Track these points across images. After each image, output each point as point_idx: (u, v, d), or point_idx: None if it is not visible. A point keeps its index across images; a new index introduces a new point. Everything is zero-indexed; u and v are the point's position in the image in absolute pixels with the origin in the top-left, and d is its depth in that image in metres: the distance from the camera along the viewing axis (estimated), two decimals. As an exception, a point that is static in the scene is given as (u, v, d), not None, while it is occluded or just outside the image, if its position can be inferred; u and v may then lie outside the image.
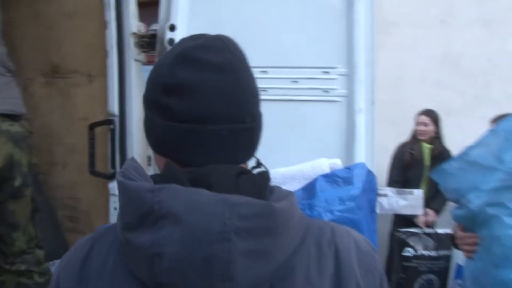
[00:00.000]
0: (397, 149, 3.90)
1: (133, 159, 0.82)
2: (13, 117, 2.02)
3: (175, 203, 0.69)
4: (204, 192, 0.71)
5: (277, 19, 2.02)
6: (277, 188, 0.82)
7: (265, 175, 0.83)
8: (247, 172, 0.82)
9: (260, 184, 0.80)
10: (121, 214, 0.76)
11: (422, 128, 3.76)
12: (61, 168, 2.40)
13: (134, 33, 2.11)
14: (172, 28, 2.02)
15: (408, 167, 3.78)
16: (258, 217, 0.70)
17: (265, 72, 2.02)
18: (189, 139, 0.79)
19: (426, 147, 3.75)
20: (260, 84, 1.90)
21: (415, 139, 3.82)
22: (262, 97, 1.89)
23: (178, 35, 2.03)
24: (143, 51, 2.15)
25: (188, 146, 0.79)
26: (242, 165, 0.84)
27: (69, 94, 2.33)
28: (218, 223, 0.68)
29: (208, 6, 2.06)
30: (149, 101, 0.84)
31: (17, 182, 1.99)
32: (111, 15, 2.10)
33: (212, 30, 1.90)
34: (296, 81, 2.00)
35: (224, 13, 2.05)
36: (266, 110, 1.91)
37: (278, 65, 2.01)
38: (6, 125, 1.96)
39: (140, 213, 0.71)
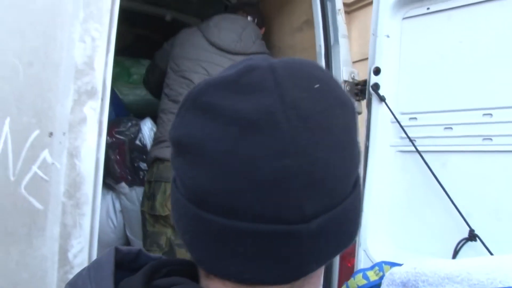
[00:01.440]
0: None
1: (110, 252, 0.60)
2: None
3: None
4: None
5: (507, 48, 1.55)
6: None
7: None
8: None
9: None
10: None
11: None
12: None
13: (346, 81, 1.98)
14: (377, 71, 1.81)
15: None
16: None
17: (489, 115, 1.57)
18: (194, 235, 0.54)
19: None
20: (483, 131, 1.53)
21: None
22: (484, 148, 1.51)
23: (383, 80, 1.80)
24: (357, 100, 1.99)
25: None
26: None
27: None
28: None
29: (418, 45, 1.76)
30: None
31: None
32: (322, 64, 2.04)
33: (422, 73, 1.64)
34: (534, 125, 1.49)
35: (437, 52, 1.71)
36: (490, 163, 1.52)
37: (507, 105, 1.54)
38: None
39: None
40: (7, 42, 1.43)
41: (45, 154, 1.47)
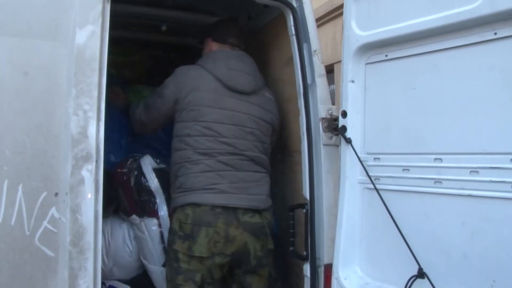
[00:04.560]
0: None
1: None
2: (257, 210, 2.29)
3: None
4: None
5: (454, 97, 1.66)
6: None
7: None
8: None
9: None
10: None
11: None
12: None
13: (323, 118, 2.14)
14: (344, 114, 1.96)
15: None
16: None
17: (439, 160, 1.70)
18: None
19: None
20: (434, 174, 1.67)
21: None
22: (435, 190, 1.66)
23: (350, 122, 1.95)
24: (336, 135, 2.13)
25: None
26: None
27: (293, 170, 2.54)
28: None
29: (379, 91, 1.89)
30: None
31: (252, 263, 2.28)
32: (301, 103, 2.20)
33: (384, 117, 1.79)
34: (476, 172, 1.60)
35: (395, 97, 1.83)
36: (441, 205, 1.66)
37: (454, 151, 1.65)
38: (247, 217, 2.25)
39: None
40: (15, 122, 1.73)
41: (53, 211, 1.77)
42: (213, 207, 2.18)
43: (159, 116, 2.42)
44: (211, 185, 2.21)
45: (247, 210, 2.25)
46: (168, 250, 2.26)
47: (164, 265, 2.34)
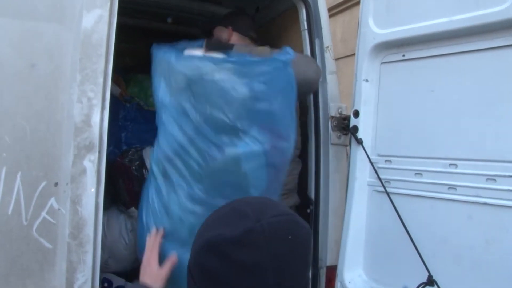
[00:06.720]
0: None
1: None
2: None
3: None
4: None
5: (474, 101, 1.61)
6: None
7: None
8: None
9: None
10: None
11: None
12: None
13: (333, 117, 2.08)
14: (356, 114, 1.90)
15: None
16: None
17: (454, 166, 1.65)
18: None
19: None
20: (448, 180, 1.62)
21: None
22: (449, 196, 1.61)
23: (362, 122, 1.90)
24: (345, 134, 2.09)
25: None
26: None
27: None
28: None
29: (394, 92, 1.83)
30: None
31: None
32: (310, 100, 2.14)
33: (398, 119, 1.74)
34: (493, 179, 1.55)
35: (411, 98, 1.78)
36: (454, 212, 1.61)
37: (470, 158, 1.61)
38: None
39: None
40: (15, 107, 1.65)
41: (52, 201, 1.70)
42: None
43: None
44: None
45: None
46: None
47: None
